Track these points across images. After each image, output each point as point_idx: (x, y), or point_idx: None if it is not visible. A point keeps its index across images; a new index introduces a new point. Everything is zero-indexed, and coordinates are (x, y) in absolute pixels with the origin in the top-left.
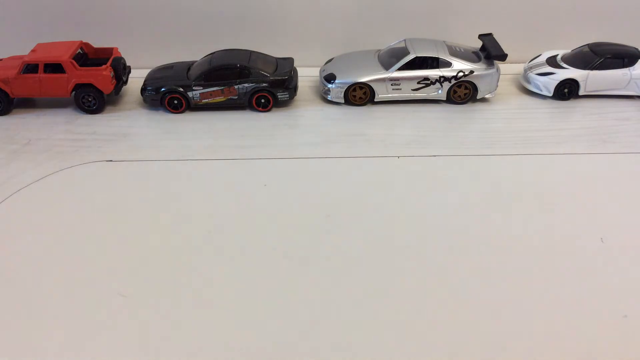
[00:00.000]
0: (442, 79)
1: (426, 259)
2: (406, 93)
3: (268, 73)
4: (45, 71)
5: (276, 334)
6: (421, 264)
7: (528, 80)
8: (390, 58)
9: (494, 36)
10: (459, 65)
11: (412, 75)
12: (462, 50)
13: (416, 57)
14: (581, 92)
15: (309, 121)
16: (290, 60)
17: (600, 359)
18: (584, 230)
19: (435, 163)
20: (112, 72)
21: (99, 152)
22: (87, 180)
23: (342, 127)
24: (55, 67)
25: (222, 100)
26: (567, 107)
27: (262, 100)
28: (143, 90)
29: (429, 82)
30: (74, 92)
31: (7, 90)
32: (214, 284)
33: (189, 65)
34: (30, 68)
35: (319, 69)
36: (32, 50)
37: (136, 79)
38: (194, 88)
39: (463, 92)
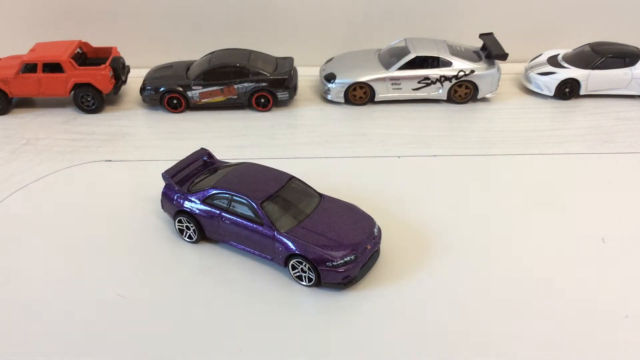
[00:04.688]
0: (443, 79)
1: (423, 257)
2: (406, 92)
3: (268, 72)
4: (44, 71)
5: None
6: (417, 261)
7: (529, 80)
8: (390, 57)
9: (495, 35)
10: (459, 65)
11: (412, 74)
12: (463, 49)
13: (417, 57)
14: (582, 92)
15: (309, 121)
16: (290, 60)
17: (601, 358)
18: (585, 230)
19: (435, 163)
20: (111, 71)
21: (98, 152)
22: (86, 180)
23: (342, 127)
24: (54, 67)
25: (222, 99)
26: (568, 106)
27: (262, 100)
28: (142, 89)
29: (429, 81)
30: (72, 92)
31: (6, 90)
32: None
33: (188, 65)
34: (29, 67)
35: (319, 68)
36: (31, 50)
37: (135, 78)
38: (193, 87)
39: (464, 92)
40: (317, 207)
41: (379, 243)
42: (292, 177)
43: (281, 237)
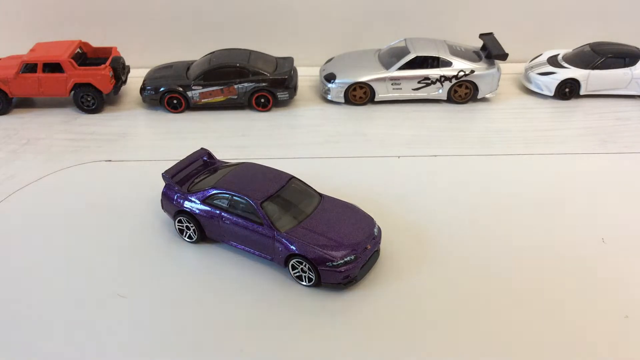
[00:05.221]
0: (443, 79)
1: (423, 257)
2: (406, 92)
3: (268, 72)
4: (44, 71)
5: None
6: (417, 261)
7: (529, 80)
8: (390, 57)
9: (495, 35)
10: (459, 65)
11: (412, 74)
12: (463, 49)
13: (417, 57)
14: (582, 92)
15: (309, 121)
16: (290, 60)
17: (601, 358)
18: (585, 230)
19: (435, 163)
20: (111, 71)
21: (98, 152)
22: (86, 180)
23: (342, 127)
24: (54, 67)
25: (222, 99)
26: (568, 106)
27: (262, 100)
28: (142, 89)
29: (429, 81)
30: (72, 92)
31: (6, 90)
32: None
33: (188, 65)
34: (29, 67)
35: (319, 68)
36: (31, 50)
37: (135, 78)
38: (193, 88)
39: (464, 92)
40: (317, 207)
41: (379, 243)
42: (292, 177)
43: (281, 237)
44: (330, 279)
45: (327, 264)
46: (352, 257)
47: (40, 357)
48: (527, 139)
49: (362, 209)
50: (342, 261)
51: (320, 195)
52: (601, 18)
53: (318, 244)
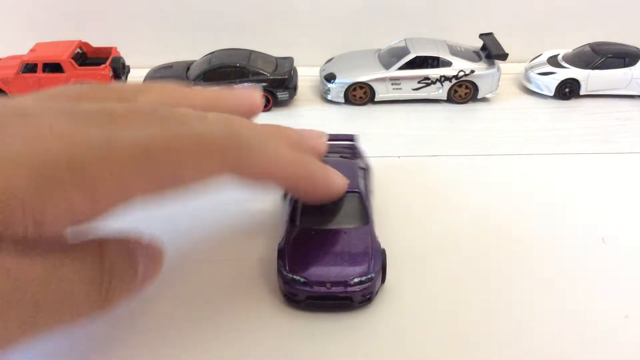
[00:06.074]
0: (443, 79)
1: (423, 258)
2: (406, 92)
3: (268, 72)
4: (44, 71)
5: None
6: (417, 262)
7: (529, 80)
8: (390, 57)
9: (495, 35)
10: (459, 65)
11: (412, 74)
12: (463, 49)
13: (416, 57)
14: (582, 92)
15: (309, 121)
16: (290, 60)
17: (601, 358)
18: (585, 230)
19: (435, 163)
20: (111, 71)
21: None
22: None
23: (342, 127)
24: (54, 67)
25: None
26: (568, 106)
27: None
28: None
29: (429, 81)
30: None
31: (6, 90)
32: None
33: (188, 65)
34: (29, 68)
35: (319, 68)
36: (31, 50)
37: (135, 78)
38: (193, 88)
39: (464, 92)
40: None
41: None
42: None
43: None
44: None
45: None
46: None
47: (40, 358)
48: (527, 139)
49: None
50: None
51: None
52: (601, 18)
53: None
